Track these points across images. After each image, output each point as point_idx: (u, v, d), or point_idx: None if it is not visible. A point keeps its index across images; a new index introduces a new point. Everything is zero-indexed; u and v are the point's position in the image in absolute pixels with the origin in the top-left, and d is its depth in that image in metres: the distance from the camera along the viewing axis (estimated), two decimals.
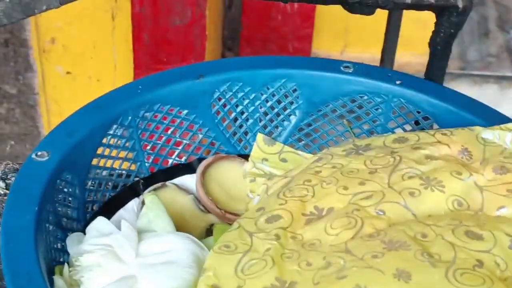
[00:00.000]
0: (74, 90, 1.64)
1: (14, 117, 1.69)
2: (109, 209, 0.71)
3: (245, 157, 0.79)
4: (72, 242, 0.64)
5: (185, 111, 0.76)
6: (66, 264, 0.62)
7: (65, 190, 0.66)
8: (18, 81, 1.65)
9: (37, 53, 1.62)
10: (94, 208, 0.70)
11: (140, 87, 0.73)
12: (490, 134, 0.68)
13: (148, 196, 0.64)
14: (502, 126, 0.69)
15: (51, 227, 0.63)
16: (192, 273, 0.59)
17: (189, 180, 0.77)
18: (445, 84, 0.80)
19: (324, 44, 1.88)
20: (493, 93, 2.15)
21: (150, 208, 0.64)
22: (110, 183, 0.73)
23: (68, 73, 1.69)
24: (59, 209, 0.65)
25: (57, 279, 0.59)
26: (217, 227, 0.65)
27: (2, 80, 1.65)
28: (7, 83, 1.66)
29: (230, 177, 0.77)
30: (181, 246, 0.61)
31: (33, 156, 0.64)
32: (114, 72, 1.68)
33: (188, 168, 0.77)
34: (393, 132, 0.77)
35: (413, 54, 1.96)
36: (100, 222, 0.64)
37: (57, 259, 0.63)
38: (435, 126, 0.77)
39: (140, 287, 0.59)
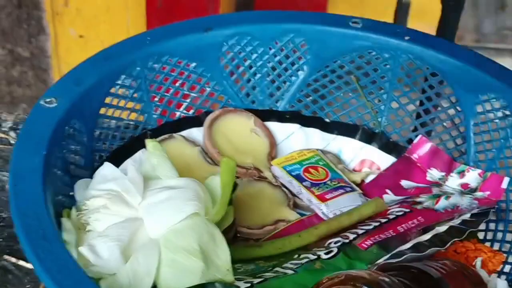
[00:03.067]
0: (87, 53, 1.64)
1: (27, 80, 1.70)
2: (116, 159, 0.72)
3: (252, 111, 0.80)
4: (79, 187, 0.65)
5: (193, 64, 0.77)
6: (73, 208, 0.63)
7: (73, 137, 0.67)
8: (30, 44, 1.66)
9: (50, 16, 1.62)
10: (102, 157, 0.71)
11: (148, 38, 0.74)
12: None
13: (149, 142, 0.64)
14: None
15: (59, 172, 0.64)
16: (194, 205, 0.60)
17: (196, 133, 0.77)
18: None
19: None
20: (509, 66, 2.15)
21: (152, 154, 0.64)
22: (118, 133, 0.73)
23: (81, 36, 1.69)
24: (67, 155, 0.66)
25: (65, 221, 0.60)
26: (224, 161, 0.65)
27: (15, 43, 1.66)
28: (20, 46, 1.66)
29: (236, 130, 0.78)
30: (183, 184, 0.62)
31: (42, 102, 0.65)
32: (126, 36, 1.67)
33: (195, 121, 0.78)
34: None
35: (426, 24, 1.95)
36: (106, 168, 0.65)
37: (65, 204, 0.64)
38: (444, 82, 0.77)
39: (146, 228, 0.60)
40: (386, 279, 0.54)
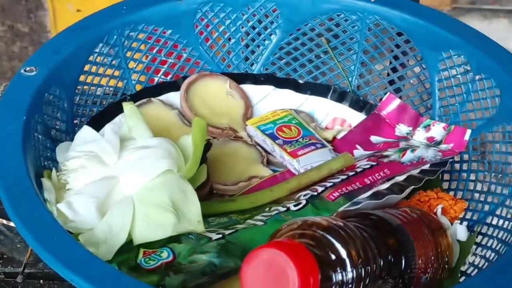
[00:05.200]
0: None
1: (27, 55, 1.74)
2: (97, 123, 0.76)
3: (228, 75, 0.83)
4: (60, 150, 0.69)
5: (169, 31, 0.80)
6: (54, 169, 0.67)
7: (54, 103, 0.71)
8: (30, 19, 1.69)
9: None
10: (82, 122, 0.75)
11: (124, 7, 0.78)
12: None
13: (126, 105, 0.68)
14: None
15: (40, 136, 0.68)
16: (166, 162, 0.64)
17: (174, 97, 0.81)
18: None
19: None
20: (504, 28, 2.15)
21: (129, 116, 0.68)
22: (97, 100, 0.77)
23: (78, 10, 1.72)
24: (48, 121, 0.70)
25: (45, 181, 0.64)
26: (195, 120, 0.68)
27: (14, 19, 1.69)
28: (19, 21, 1.70)
29: (213, 93, 0.82)
30: (156, 143, 0.66)
31: (22, 71, 0.69)
32: None
33: (173, 85, 0.82)
34: None
35: None
36: (85, 131, 0.69)
37: (47, 166, 0.68)
38: (410, 41, 0.80)
39: (121, 186, 0.64)
40: (341, 224, 0.57)
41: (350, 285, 0.55)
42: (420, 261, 0.62)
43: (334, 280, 0.55)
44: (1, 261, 0.75)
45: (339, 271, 0.55)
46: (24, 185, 0.60)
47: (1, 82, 0.91)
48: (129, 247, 0.63)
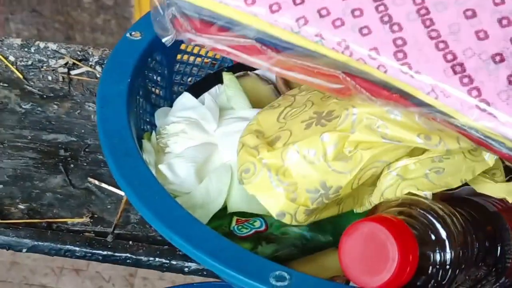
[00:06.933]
0: None
1: (110, 28, 1.77)
2: (194, 92, 0.76)
3: None
4: (160, 115, 0.70)
5: None
6: (153, 132, 0.68)
7: (155, 69, 0.72)
8: None
9: None
10: (180, 89, 0.76)
11: None
12: None
13: (226, 75, 0.69)
14: None
15: (141, 100, 0.69)
16: None
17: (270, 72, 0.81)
18: None
19: None
20: None
21: (228, 86, 0.69)
22: (196, 69, 0.78)
23: None
24: (149, 85, 0.71)
25: (146, 143, 0.66)
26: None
27: None
28: None
29: None
30: (254, 115, 0.66)
31: (127, 35, 0.70)
32: None
33: None
34: None
35: None
36: (185, 97, 0.70)
37: (146, 130, 0.70)
38: None
39: (219, 153, 0.65)
40: (441, 206, 0.57)
41: (447, 267, 0.55)
42: None
43: (432, 260, 0.54)
44: (92, 220, 0.76)
45: (437, 251, 0.55)
46: (128, 145, 0.61)
47: (94, 50, 0.93)
48: (222, 214, 0.64)
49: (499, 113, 0.52)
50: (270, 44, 0.55)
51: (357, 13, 0.54)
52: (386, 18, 0.53)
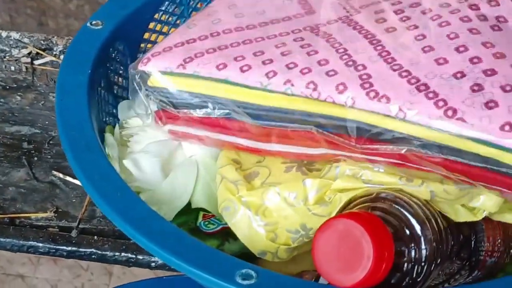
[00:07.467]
0: None
1: (83, 13, 1.73)
2: None
3: None
4: (122, 107, 0.68)
5: None
6: (117, 125, 0.66)
7: (117, 59, 0.70)
8: None
9: None
10: None
11: None
12: None
13: None
14: None
15: (103, 91, 0.67)
16: None
17: None
18: None
19: None
20: None
21: None
22: None
23: None
24: (111, 76, 0.69)
25: (108, 136, 0.63)
26: None
27: None
28: None
29: None
30: None
31: (88, 24, 0.68)
32: None
33: None
34: None
35: None
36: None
37: (108, 122, 0.67)
38: None
39: (182, 148, 0.63)
40: (416, 200, 0.55)
41: (422, 263, 0.53)
42: (488, 244, 0.60)
43: (407, 256, 0.53)
44: (56, 215, 0.74)
45: (413, 247, 0.53)
46: (88, 138, 0.59)
47: (58, 39, 0.90)
48: (188, 209, 0.62)
49: (467, 116, 0.53)
50: (244, 112, 0.58)
51: (323, 62, 0.57)
52: (350, 63, 0.57)
